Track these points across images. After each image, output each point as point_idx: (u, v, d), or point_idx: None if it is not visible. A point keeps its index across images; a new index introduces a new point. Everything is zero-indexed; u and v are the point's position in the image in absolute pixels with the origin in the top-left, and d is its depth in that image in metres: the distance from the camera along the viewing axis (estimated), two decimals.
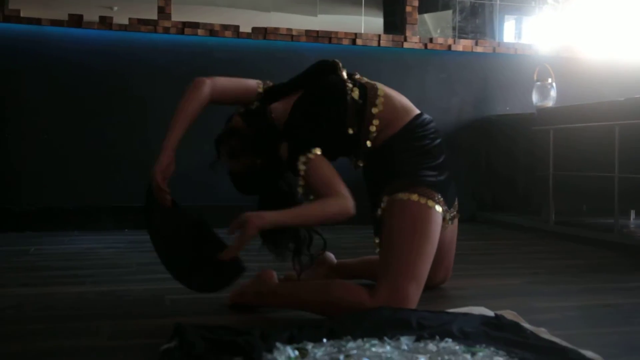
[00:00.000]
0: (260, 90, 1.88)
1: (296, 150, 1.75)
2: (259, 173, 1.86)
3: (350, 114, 1.80)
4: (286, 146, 1.79)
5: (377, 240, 1.78)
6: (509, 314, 1.62)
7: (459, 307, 1.70)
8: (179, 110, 1.82)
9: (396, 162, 1.78)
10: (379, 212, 1.76)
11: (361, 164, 1.88)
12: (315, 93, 1.84)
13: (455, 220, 1.96)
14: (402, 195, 1.71)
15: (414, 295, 1.64)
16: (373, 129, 1.81)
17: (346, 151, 1.88)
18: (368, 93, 1.83)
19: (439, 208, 1.74)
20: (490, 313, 1.61)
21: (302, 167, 1.73)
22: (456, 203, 1.94)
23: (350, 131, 1.80)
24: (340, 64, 1.92)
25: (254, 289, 1.80)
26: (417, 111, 1.89)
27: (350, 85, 1.85)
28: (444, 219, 1.79)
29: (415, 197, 1.71)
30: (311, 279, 2.04)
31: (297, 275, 1.88)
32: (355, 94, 1.82)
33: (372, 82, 1.90)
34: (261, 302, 1.78)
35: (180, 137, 1.81)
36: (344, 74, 1.89)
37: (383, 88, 1.87)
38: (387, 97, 1.85)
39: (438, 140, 1.85)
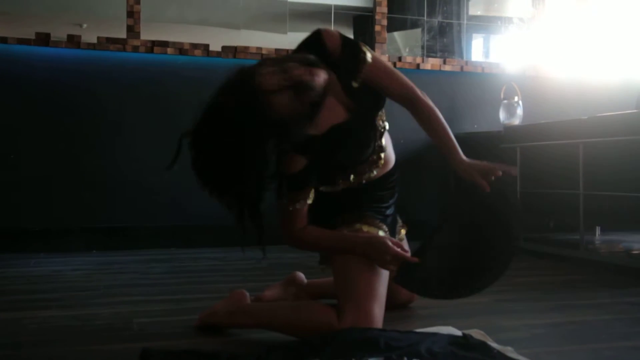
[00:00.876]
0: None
1: None
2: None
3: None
4: None
5: (321, 267, 1.87)
6: (477, 333, 1.63)
7: (427, 326, 1.71)
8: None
9: (351, 198, 1.82)
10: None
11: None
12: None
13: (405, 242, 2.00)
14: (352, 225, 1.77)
15: (379, 315, 1.64)
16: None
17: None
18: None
19: (383, 234, 1.79)
20: (458, 332, 1.62)
21: None
22: (400, 227, 2.00)
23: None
24: None
25: (225, 309, 1.79)
26: (391, 166, 1.93)
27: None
28: None
29: (364, 227, 1.77)
30: (281, 299, 2.04)
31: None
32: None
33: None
34: (231, 322, 1.77)
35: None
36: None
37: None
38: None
39: (394, 188, 1.92)
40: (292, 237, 1.77)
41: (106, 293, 2.32)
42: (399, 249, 1.67)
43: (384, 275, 1.72)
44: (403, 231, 2.01)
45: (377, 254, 1.68)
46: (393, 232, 1.91)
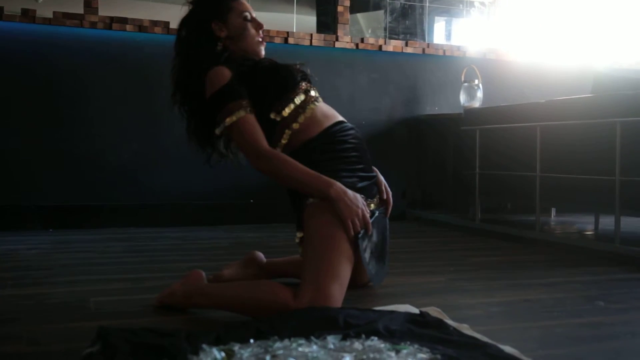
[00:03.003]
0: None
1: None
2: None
3: (284, 100, 1.87)
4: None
5: (299, 235, 1.84)
6: (434, 311, 1.66)
7: (385, 305, 1.73)
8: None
9: (314, 163, 1.81)
10: (300, 214, 1.81)
11: None
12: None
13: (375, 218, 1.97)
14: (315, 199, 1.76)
15: (338, 294, 1.65)
16: (285, 136, 1.86)
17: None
18: (302, 104, 1.88)
19: None
20: (416, 310, 1.65)
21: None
22: (376, 201, 1.95)
23: (272, 116, 1.85)
24: (300, 85, 1.93)
25: (183, 289, 1.78)
26: (339, 118, 1.94)
27: (302, 88, 1.91)
28: None
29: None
30: (240, 279, 2.03)
31: None
32: (298, 99, 1.88)
33: (315, 98, 1.94)
34: (189, 302, 1.76)
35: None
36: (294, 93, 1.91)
37: (317, 106, 1.92)
38: (312, 112, 1.89)
39: (356, 145, 1.90)
40: (260, 156, 1.77)
41: (62, 272, 2.28)
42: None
43: (350, 256, 1.72)
44: (372, 205, 1.96)
45: (351, 203, 1.72)
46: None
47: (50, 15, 3.41)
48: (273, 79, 1.89)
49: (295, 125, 1.86)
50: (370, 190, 1.89)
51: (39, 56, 3.45)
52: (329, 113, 1.94)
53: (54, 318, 1.68)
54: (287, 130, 1.86)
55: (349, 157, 1.87)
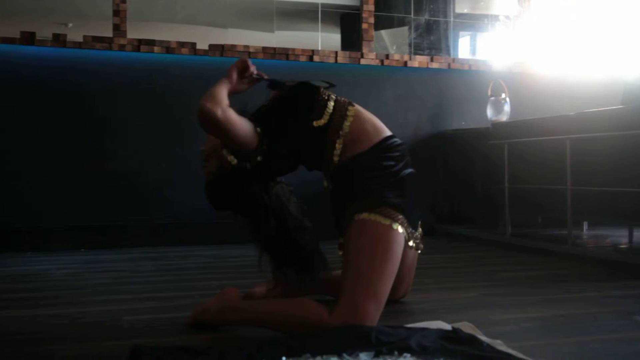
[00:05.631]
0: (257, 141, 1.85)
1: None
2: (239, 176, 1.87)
3: (318, 109, 1.86)
4: None
5: (341, 252, 1.81)
6: (466, 327, 1.64)
7: (417, 321, 1.72)
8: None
9: (360, 180, 1.81)
10: (341, 239, 1.81)
11: (328, 185, 1.93)
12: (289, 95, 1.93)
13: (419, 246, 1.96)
14: (364, 216, 1.74)
15: (373, 314, 1.64)
16: (338, 146, 1.84)
17: (314, 157, 1.89)
18: (336, 110, 1.87)
19: (400, 229, 1.75)
20: (448, 327, 1.63)
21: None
22: (420, 229, 1.95)
23: (315, 124, 1.84)
24: (321, 90, 1.94)
25: (216, 306, 1.79)
26: (389, 133, 1.93)
27: (325, 96, 1.90)
28: (407, 240, 1.81)
29: (377, 217, 1.73)
30: (271, 296, 2.03)
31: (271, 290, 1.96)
32: (325, 118, 1.86)
33: (348, 101, 1.94)
34: (223, 319, 1.76)
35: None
36: (322, 100, 1.91)
37: (356, 108, 1.92)
38: (356, 117, 1.89)
39: (403, 163, 1.88)
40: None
41: (94, 291, 2.30)
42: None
43: (391, 274, 1.71)
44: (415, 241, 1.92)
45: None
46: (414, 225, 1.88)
47: (81, 39, 3.48)
48: (295, 93, 1.92)
49: (344, 133, 1.85)
50: (411, 208, 1.83)
51: (70, 79, 3.51)
52: (379, 126, 1.93)
53: (87, 337, 1.70)
54: (337, 140, 1.84)
55: (393, 174, 1.83)
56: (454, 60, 4.30)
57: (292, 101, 1.90)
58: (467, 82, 4.29)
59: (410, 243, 1.85)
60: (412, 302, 2.09)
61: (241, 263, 2.94)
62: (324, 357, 1.38)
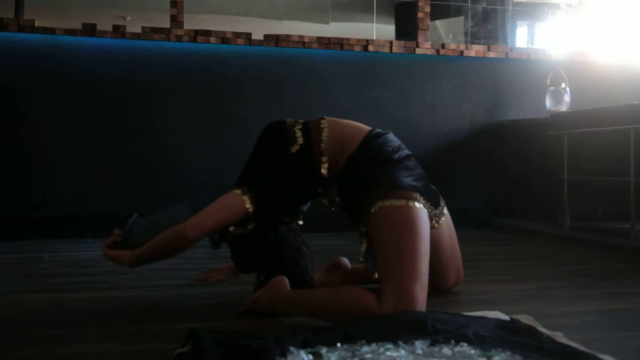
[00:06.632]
0: (249, 206, 1.86)
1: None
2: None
3: (290, 137, 1.90)
4: None
5: (364, 247, 1.80)
6: (525, 319, 1.60)
7: (473, 312, 1.68)
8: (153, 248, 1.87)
9: (363, 176, 1.81)
10: (363, 228, 1.78)
11: (329, 202, 2.00)
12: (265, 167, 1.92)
13: (445, 220, 1.94)
14: (379, 205, 1.72)
15: (421, 295, 1.61)
16: (324, 159, 1.88)
17: (308, 180, 1.92)
18: (311, 129, 1.91)
19: (419, 205, 1.74)
20: (506, 317, 1.59)
21: None
22: (442, 203, 1.94)
23: (293, 149, 1.89)
24: (287, 121, 1.97)
25: (266, 296, 1.79)
26: (369, 128, 1.94)
27: (294, 132, 1.92)
28: (431, 218, 1.81)
29: (393, 201, 1.72)
30: (325, 285, 2.03)
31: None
32: (300, 140, 1.89)
33: (320, 117, 1.97)
34: (274, 309, 1.77)
35: (140, 260, 1.89)
36: (290, 126, 1.95)
37: (328, 119, 1.95)
38: (331, 126, 1.91)
39: (397, 146, 1.90)
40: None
41: (151, 276, 2.35)
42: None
43: (424, 251, 1.69)
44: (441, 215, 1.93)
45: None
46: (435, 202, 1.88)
47: (139, 31, 3.55)
48: (263, 137, 1.99)
49: (325, 144, 1.88)
50: (423, 187, 1.83)
51: (128, 70, 3.59)
52: (358, 125, 1.96)
53: (146, 320, 1.73)
54: (322, 157, 1.88)
55: (392, 158, 1.84)
56: (511, 49, 4.20)
57: (263, 145, 1.95)
58: (525, 71, 4.19)
59: (432, 216, 1.83)
60: (467, 292, 2.05)
61: None
62: (379, 344, 1.37)
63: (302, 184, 1.91)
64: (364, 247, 1.80)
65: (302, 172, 1.89)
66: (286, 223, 1.95)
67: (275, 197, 1.88)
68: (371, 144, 1.86)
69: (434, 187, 1.93)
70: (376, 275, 1.69)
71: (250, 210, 1.84)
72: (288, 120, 1.97)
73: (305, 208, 2.02)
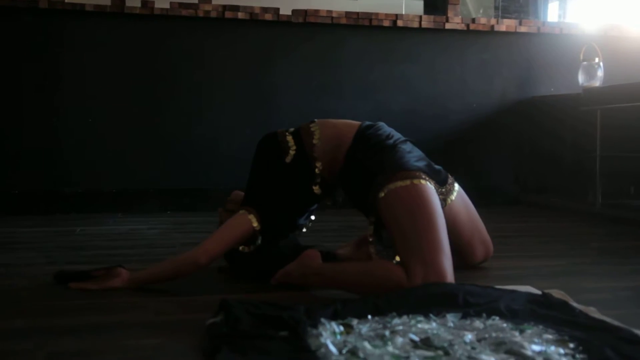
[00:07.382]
0: (256, 225, 1.86)
1: None
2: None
3: (283, 148, 1.91)
4: None
5: (371, 239, 1.80)
6: (557, 293, 1.58)
7: (504, 286, 1.67)
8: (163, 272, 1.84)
9: (365, 167, 1.82)
10: (372, 218, 1.79)
11: (330, 200, 2.01)
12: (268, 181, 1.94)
13: (457, 196, 1.95)
14: (385, 190, 1.73)
15: (447, 265, 1.60)
16: (319, 162, 1.89)
17: (308, 185, 1.92)
18: (302, 134, 1.93)
19: (423, 181, 1.74)
20: (537, 292, 1.58)
21: None
22: (451, 181, 1.96)
23: (287, 159, 1.90)
24: (278, 131, 1.98)
25: (299, 269, 1.80)
26: (359, 122, 1.97)
27: (286, 141, 1.92)
28: (440, 194, 1.82)
29: (399, 183, 1.72)
30: (354, 259, 2.04)
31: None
32: (292, 148, 1.91)
33: (310, 121, 1.98)
34: (305, 282, 1.78)
35: (144, 282, 1.82)
36: (282, 136, 1.95)
37: (318, 121, 1.96)
38: (321, 127, 1.93)
39: (391, 132, 1.92)
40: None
41: (183, 249, 2.36)
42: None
43: (441, 224, 1.68)
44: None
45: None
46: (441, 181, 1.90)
47: (168, 6, 3.55)
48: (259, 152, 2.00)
49: (318, 146, 1.88)
50: (435, 174, 1.86)
51: (157, 45, 3.60)
52: (348, 122, 1.98)
53: (178, 291, 1.75)
54: (317, 161, 1.88)
55: (388, 145, 1.85)
56: (543, 24, 4.11)
57: (258, 162, 1.97)
58: (557, 46, 4.11)
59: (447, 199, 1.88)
60: (496, 267, 2.04)
61: (322, 227, 2.95)
62: (410, 316, 1.37)
63: (303, 189, 1.92)
64: (371, 230, 1.80)
65: (300, 178, 1.91)
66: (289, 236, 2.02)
67: (280, 209, 1.91)
68: (366, 135, 1.89)
69: (438, 167, 1.94)
70: (397, 258, 1.68)
71: (258, 228, 1.86)
72: (279, 130, 1.99)
73: (308, 221, 2.05)
